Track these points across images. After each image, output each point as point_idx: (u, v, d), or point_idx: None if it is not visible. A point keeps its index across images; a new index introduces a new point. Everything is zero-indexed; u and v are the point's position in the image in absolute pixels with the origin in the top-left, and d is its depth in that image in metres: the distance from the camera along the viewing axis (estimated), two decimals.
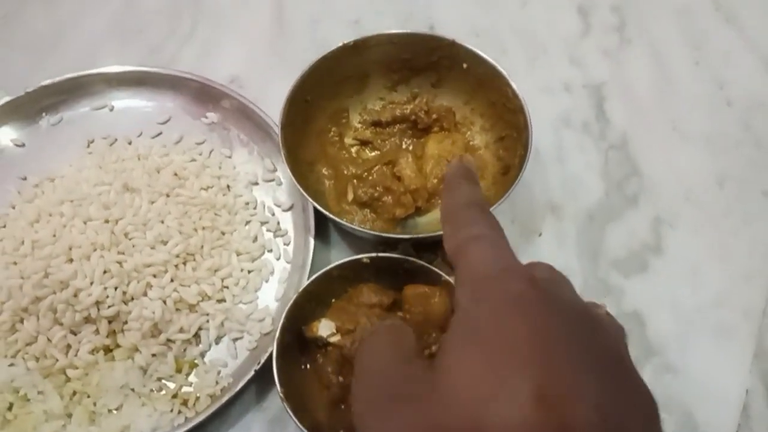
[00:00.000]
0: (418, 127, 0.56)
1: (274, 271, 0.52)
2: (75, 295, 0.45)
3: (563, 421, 0.19)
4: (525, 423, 0.19)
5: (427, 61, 0.55)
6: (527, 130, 0.48)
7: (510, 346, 0.21)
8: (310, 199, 0.47)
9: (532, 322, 0.22)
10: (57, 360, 0.45)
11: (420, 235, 0.47)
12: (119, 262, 0.46)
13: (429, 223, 0.53)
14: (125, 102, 0.60)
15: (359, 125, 0.58)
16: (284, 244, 0.53)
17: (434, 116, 0.56)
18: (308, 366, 0.45)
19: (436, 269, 0.45)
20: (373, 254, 0.46)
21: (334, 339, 0.43)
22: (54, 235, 0.47)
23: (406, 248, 0.50)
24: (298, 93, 0.51)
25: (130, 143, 0.58)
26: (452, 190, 0.32)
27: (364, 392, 0.26)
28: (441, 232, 0.30)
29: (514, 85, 0.50)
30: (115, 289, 0.45)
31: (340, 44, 0.52)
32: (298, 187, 0.47)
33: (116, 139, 0.58)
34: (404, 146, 0.56)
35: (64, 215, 0.48)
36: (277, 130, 0.49)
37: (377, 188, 0.52)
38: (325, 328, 0.43)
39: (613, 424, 0.20)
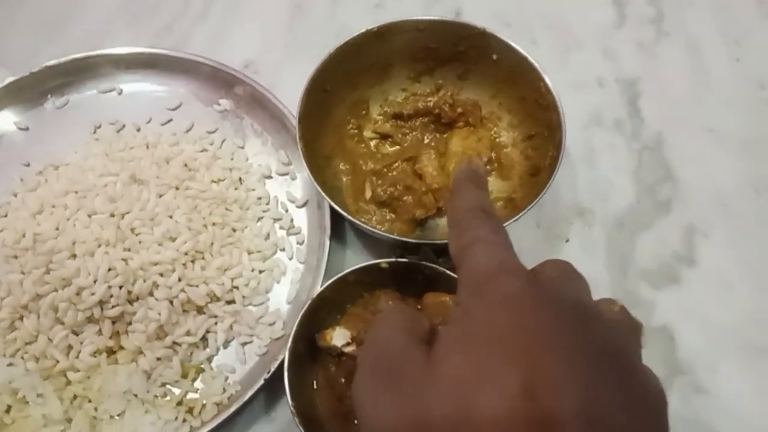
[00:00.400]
0: (441, 122, 0.53)
1: (286, 272, 0.49)
2: (78, 294, 0.43)
3: (547, 412, 0.20)
4: (510, 414, 0.20)
5: (454, 50, 0.52)
6: (560, 130, 0.45)
7: (499, 341, 0.22)
8: (328, 198, 0.44)
9: (522, 318, 0.23)
10: (57, 361, 0.43)
11: (440, 241, 0.44)
12: (125, 260, 0.44)
13: None
14: (134, 86, 0.58)
15: (379, 118, 0.54)
16: (297, 243, 0.51)
17: (459, 110, 0.52)
18: (320, 376, 0.43)
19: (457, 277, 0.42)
20: (392, 259, 0.44)
21: (348, 349, 0.41)
22: (57, 229, 0.45)
23: (426, 252, 0.48)
24: (317, 82, 0.48)
25: (138, 130, 0.55)
26: (458, 194, 0.32)
27: (369, 367, 0.26)
28: None
29: (548, 80, 0.47)
30: (120, 288, 0.43)
31: (363, 30, 0.49)
32: (315, 185, 0.44)
33: (124, 125, 0.55)
34: (426, 141, 0.53)
35: (68, 207, 0.46)
36: (293, 120, 0.47)
37: (397, 186, 0.49)
38: (339, 337, 0.41)
39: (598, 418, 0.20)
